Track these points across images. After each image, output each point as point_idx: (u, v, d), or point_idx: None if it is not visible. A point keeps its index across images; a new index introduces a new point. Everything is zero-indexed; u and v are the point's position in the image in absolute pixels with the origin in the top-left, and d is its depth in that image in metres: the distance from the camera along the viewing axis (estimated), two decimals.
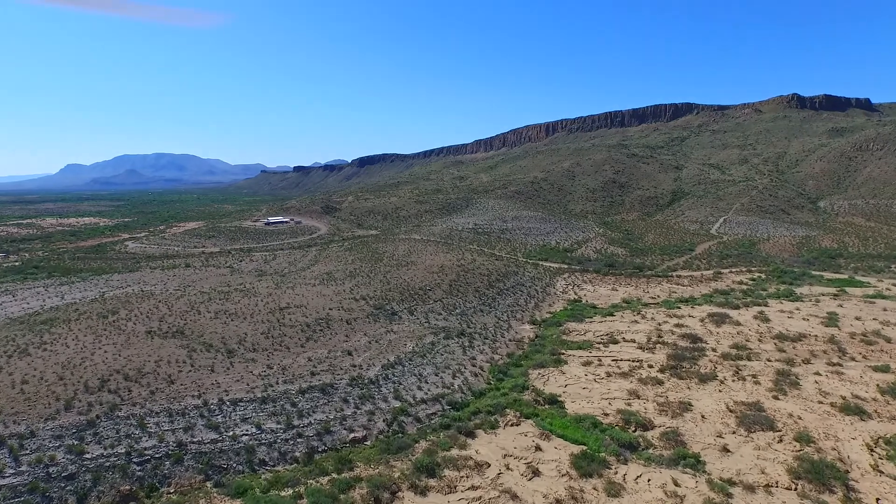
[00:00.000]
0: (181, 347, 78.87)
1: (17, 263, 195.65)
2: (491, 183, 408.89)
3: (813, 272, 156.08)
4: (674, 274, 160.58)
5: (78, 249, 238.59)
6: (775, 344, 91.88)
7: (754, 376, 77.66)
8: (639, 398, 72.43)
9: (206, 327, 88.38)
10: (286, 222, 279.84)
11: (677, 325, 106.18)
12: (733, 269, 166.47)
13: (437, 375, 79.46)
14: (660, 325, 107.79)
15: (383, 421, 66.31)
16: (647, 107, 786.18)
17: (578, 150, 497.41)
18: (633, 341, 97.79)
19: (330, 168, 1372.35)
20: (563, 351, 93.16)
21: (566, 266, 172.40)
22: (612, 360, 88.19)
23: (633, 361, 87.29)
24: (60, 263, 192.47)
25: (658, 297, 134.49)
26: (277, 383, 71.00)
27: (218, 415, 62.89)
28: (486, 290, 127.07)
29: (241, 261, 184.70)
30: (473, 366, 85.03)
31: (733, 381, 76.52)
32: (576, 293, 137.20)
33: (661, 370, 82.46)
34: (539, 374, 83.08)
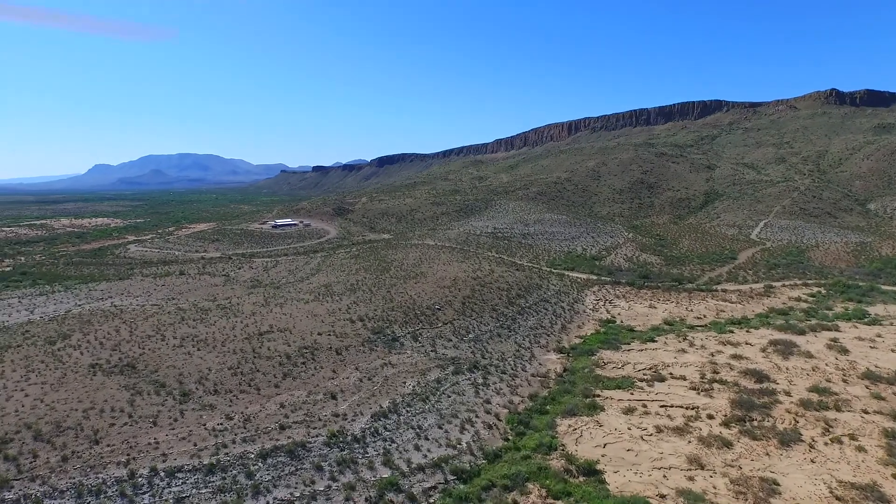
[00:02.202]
0: (125, 388, 63.91)
1: (7, 269, 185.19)
2: (511, 183, 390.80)
3: (882, 287, 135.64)
4: (718, 288, 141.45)
5: (78, 252, 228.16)
6: (866, 387, 73.42)
7: (853, 437, 59.63)
8: (703, 468, 55.10)
9: (165, 359, 73.44)
10: (294, 225, 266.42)
11: (735, 357, 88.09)
12: (786, 283, 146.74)
13: (440, 428, 63.09)
14: (713, 355, 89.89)
15: (365, 500, 50.24)
16: (674, 104, 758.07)
17: (603, 150, 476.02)
18: (684, 378, 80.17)
19: (349, 168, 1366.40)
20: (598, 391, 76.02)
21: (595, 277, 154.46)
22: (661, 407, 70.81)
23: (687, 409, 69.81)
24: (51, 269, 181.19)
25: (704, 316, 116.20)
26: (234, 442, 55.48)
27: (145, 492, 47.52)
28: (505, 309, 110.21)
29: (239, 268, 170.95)
30: (487, 412, 68.47)
31: (826, 444, 58.61)
32: (608, 311, 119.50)
33: (726, 423, 64.85)
34: (569, 425, 66.13)
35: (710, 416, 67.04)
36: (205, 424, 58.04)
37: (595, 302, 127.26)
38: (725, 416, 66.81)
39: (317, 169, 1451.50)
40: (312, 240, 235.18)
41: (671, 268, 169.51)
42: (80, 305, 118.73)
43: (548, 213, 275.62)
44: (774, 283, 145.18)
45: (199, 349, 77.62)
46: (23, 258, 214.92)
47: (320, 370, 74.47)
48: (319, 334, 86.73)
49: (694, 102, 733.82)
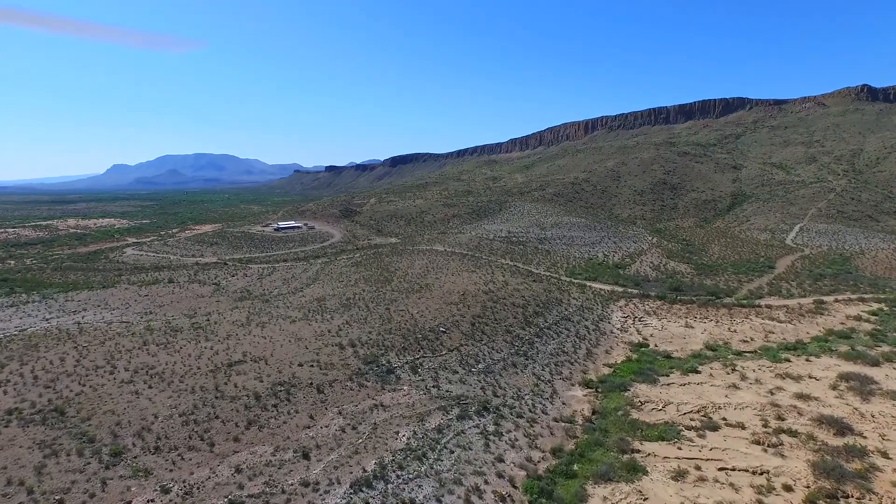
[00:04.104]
0: (39, 446, 50.63)
1: None
2: (527, 184, 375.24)
3: None
4: (761, 303, 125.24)
5: (71, 256, 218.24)
6: None
7: None
8: None
9: (105, 401, 60.12)
10: (298, 228, 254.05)
11: (800, 397, 72.58)
12: (838, 297, 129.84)
13: (439, 502, 48.91)
14: (772, 393, 74.50)
15: None
16: (694, 102, 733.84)
17: (623, 149, 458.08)
18: (742, 426, 64.95)
19: (362, 168, 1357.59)
20: (638, 444, 61.20)
21: (620, 289, 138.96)
22: (720, 470, 55.83)
23: (754, 474, 54.73)
24: (36, 275, 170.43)
25: (751, 339, 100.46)
26: None
27: None
28: (521, 331, 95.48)
29: (233, 275, 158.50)
30: (500, 475, 54.07)
31: None
32: (639, 332, 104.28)
33: (811, 501, 49.74)
34: (604, 497, 51.50)
35: (788, 488, 51.94)
36: (130, 502, 44.46)
37: (623, 319, 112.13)
38: (808, 487, 51.72)
39: (330, 169, 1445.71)
40: (315, 244, 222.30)
41: (703, 278, 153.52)
42: (47, 320, 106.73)
43: (565, 215, 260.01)
44: (825, 298, 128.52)
45: (150, 386, 64.23)
46: (13, 261, 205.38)
47: (294, 415, 60.62)
48: (300, 365, 72.95)
49: (715, 100, 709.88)
